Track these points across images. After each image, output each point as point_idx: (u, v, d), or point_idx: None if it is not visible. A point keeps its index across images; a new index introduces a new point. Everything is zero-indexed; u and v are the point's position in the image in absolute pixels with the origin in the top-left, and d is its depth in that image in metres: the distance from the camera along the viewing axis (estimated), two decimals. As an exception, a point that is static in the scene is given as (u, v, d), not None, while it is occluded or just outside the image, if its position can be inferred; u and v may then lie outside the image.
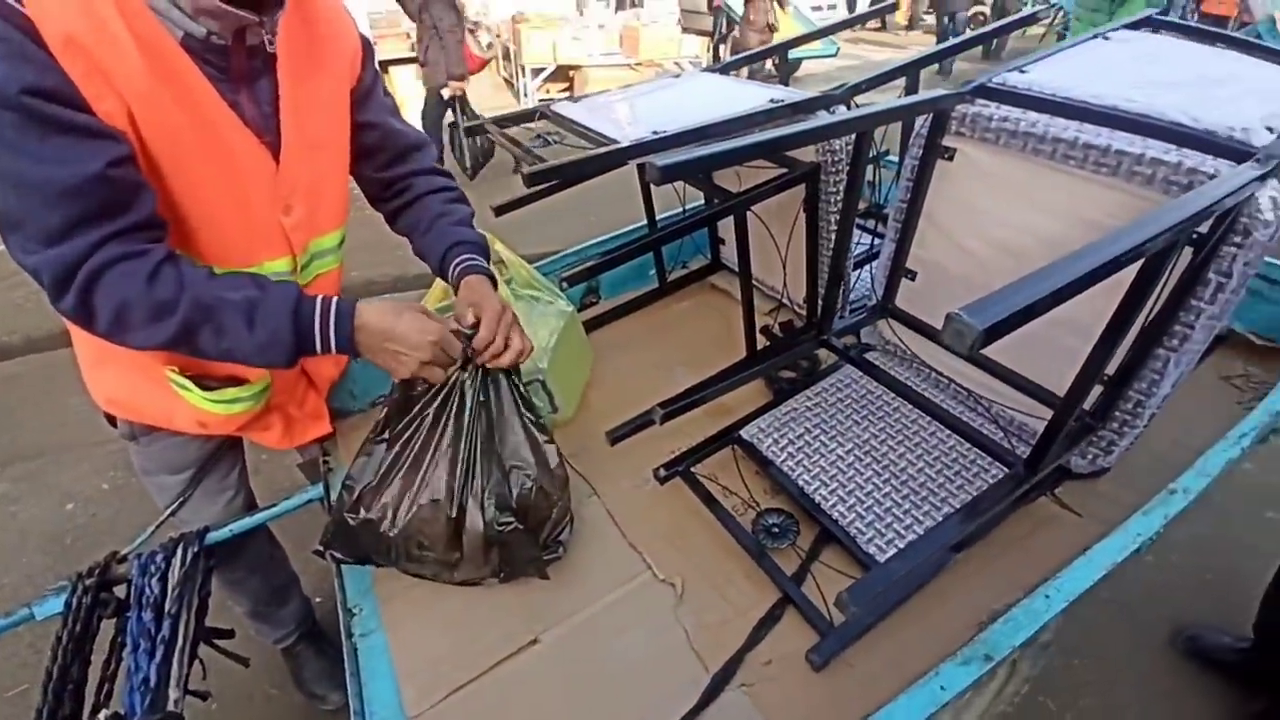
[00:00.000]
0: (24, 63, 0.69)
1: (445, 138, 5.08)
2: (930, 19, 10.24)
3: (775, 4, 6.64)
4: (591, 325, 1.70)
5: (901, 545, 1.03)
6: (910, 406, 1.26)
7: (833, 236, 1.26)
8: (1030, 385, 1.14)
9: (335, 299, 0.88)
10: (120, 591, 1.07)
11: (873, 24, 11.35)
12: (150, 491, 1.24)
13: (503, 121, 1.37)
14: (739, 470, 1.26)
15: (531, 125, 1.46)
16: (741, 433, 1.27)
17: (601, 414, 1.40)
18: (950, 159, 1.16)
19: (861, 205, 1.93)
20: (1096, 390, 1.06)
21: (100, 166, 0.73)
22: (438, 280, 1.41)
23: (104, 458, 2.42)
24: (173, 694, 0.98)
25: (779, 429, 1.25)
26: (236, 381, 1.06)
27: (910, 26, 11.37)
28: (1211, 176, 0.87)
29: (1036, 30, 9.13)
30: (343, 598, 1.10)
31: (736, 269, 1.37)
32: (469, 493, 0.97)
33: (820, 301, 1.30)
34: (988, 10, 9.07)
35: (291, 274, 1.01)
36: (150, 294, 0.78)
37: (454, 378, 0.97)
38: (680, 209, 1.76)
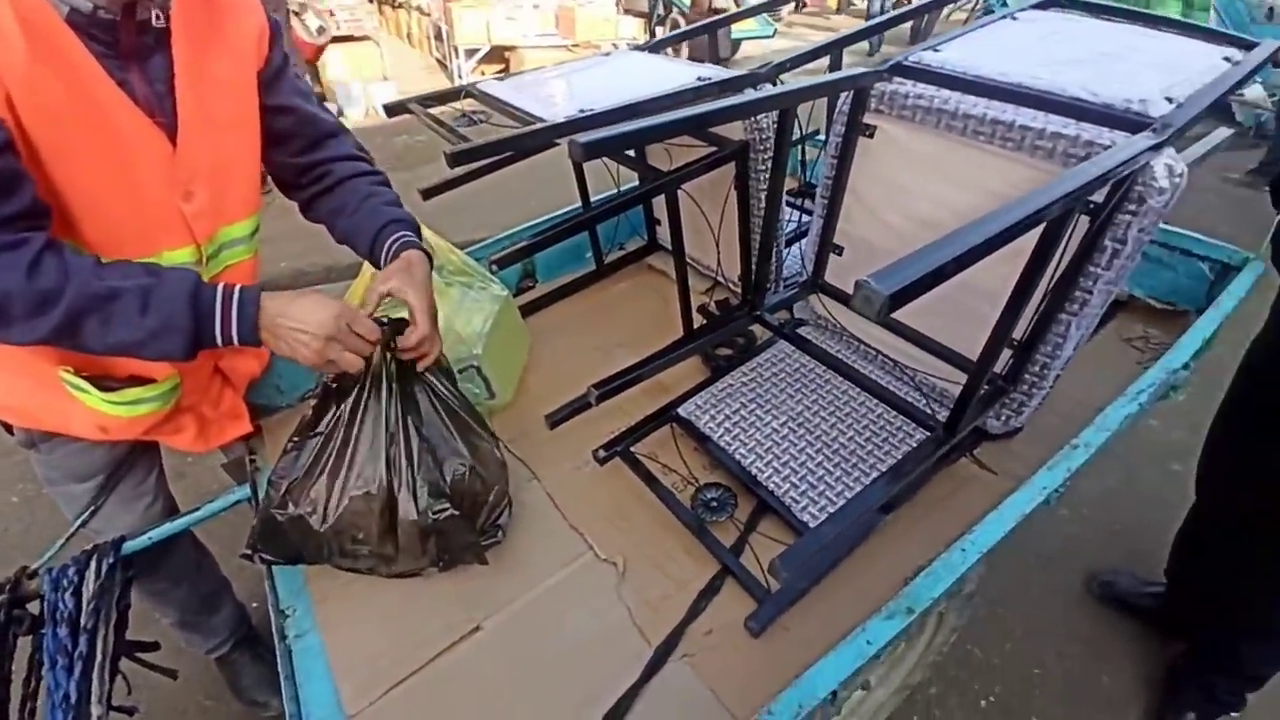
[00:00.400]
0: None
1: None
2: (861, 3, 10.46)
3: None
4: (529, 309, 1.68)
5: (833, 511, 1.07)
6: (840, 378, 1.30)
7: (763, 214, 1.28)
8: (948, 352, 1.20)
9: (239, 286, 0.84)
10: (35, 608, 1.01)
11: (811, 7, 11.52)
12: (58, 502, 1.16)
13: (427, 101, 1.33)
14: (677, 448, 1.28)
15: (458, 105, 1.42)
16: (679, 410, 1.28)
17: (540, 398, 1.39)
18: (871, 136, 1.19)
19: (793, 184, 1.97)
20: (1007, 355, 1.12)
21: None
22: (365, 268, 1.36)
23: (10, 469, 2.25)
24: (95, 710, 0.94)
25: (715, 405, 1.27)
26: (140, 381, 0.99)
27: (839, 10, 11.60)
28: (1108, 148, 0.92)
29: (960, 16, 9.46)
30: (274, 599, 1.06)
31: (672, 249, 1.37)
32: (400, 482, 0.95)
33: (753, 278, 1.32)
34: None
35: (197, 264, 0.95)
36: (31, 285, 0.72)
37: (376, 368, 0.94)
38: (615, 190, 1.75)
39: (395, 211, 1.07)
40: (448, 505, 0.96)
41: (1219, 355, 1.48)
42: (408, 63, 7.83)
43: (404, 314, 0.95)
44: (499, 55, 7.00)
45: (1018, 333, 1.06)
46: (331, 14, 5.88)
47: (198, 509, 1.20)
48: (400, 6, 8.91)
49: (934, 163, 1.12)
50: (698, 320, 1.48)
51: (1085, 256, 0.96)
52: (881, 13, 8.54)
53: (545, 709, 0.91)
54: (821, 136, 1.73)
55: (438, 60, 7.80)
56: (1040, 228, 0.82)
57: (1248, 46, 1.15)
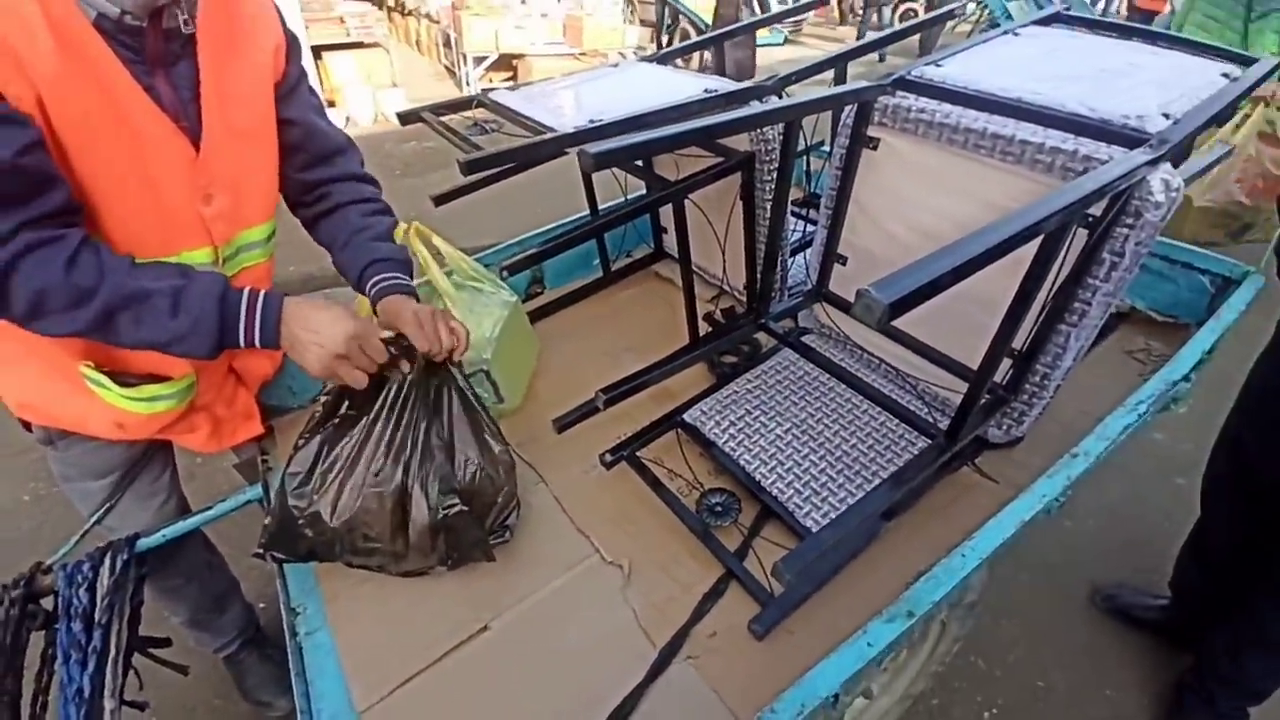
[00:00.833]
0: None
1: None
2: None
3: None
4: (537, 315, 1.70)
5: (836, 516, 1.08)
6: (843, 386, 1.32)
7: (768, 224, 1.30)
8: (950, 361, 1.22)
9: (263, 291, 0.87)
10: (49, 604, 1.02)
11: (816, 18, 11.63)
12: (73, 499, 1.18)
13: (439, 109, 1.36)
14: (683, 453, 1.29)
15: (469, 114, 1.45)
16: (684, 416, 1.30)
17: (548, 403, 1.41)
18: (875, 148, 1.21)
19: (798, 194, 1.99)
20: (1008, 365, 1.14)
21: (9, 154, 0.71)
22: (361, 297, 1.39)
23: (23, 469, 2.28)
24: (108, 704, 0.96)
25: (720, 411, 1.29)
26: (158, 378, 1.01)
27: (843, 21, 11.70)
28: (1105, 163, 0.94)
29: (965, 28, 9.53)
30: (285, 598, 1.08)
31: (678, 257, 1.40)
32: (413, 478, 0.97)
33: (758, 287, 1.34)
34: (919, 7, 9.42)
35: (214, 266, 0.98)
36: (69, 280, 0.76)
37: (392, 372, 0.97)
38: (623, 199, 1.77)
39: (381, 249, 1.09)
40: (458, 501, 0.98)
41: (1225, 370, 1.49)
42: (417, 69, 7.91)
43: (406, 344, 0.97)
44: (507, 63, 7.08)
45: (1018, 343, 1.08)
46: (342, 21, 5.95)
47: (210, 508, 1.22)
48: (410, 14, 9.01)
49: (936, 175, 1.14)
50: (703, 328, 1.50)
51: (1084, 269, 0.98)
52: (880, 25, 8.67)
53: (551, 708, 0.92)
54: (826, 148, 1.76)
55: (446, 67, 7.89)
56: (1039, 240, 0.84)
57: (1248, 63, 1.17)
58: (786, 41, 9.41)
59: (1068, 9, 1.47)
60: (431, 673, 0.97)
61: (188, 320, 0.81)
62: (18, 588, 1.01)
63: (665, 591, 1.06)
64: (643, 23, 7.78)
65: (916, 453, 1.16)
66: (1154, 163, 0.90)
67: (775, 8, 8.16)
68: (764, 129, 1.29)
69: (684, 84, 1.38)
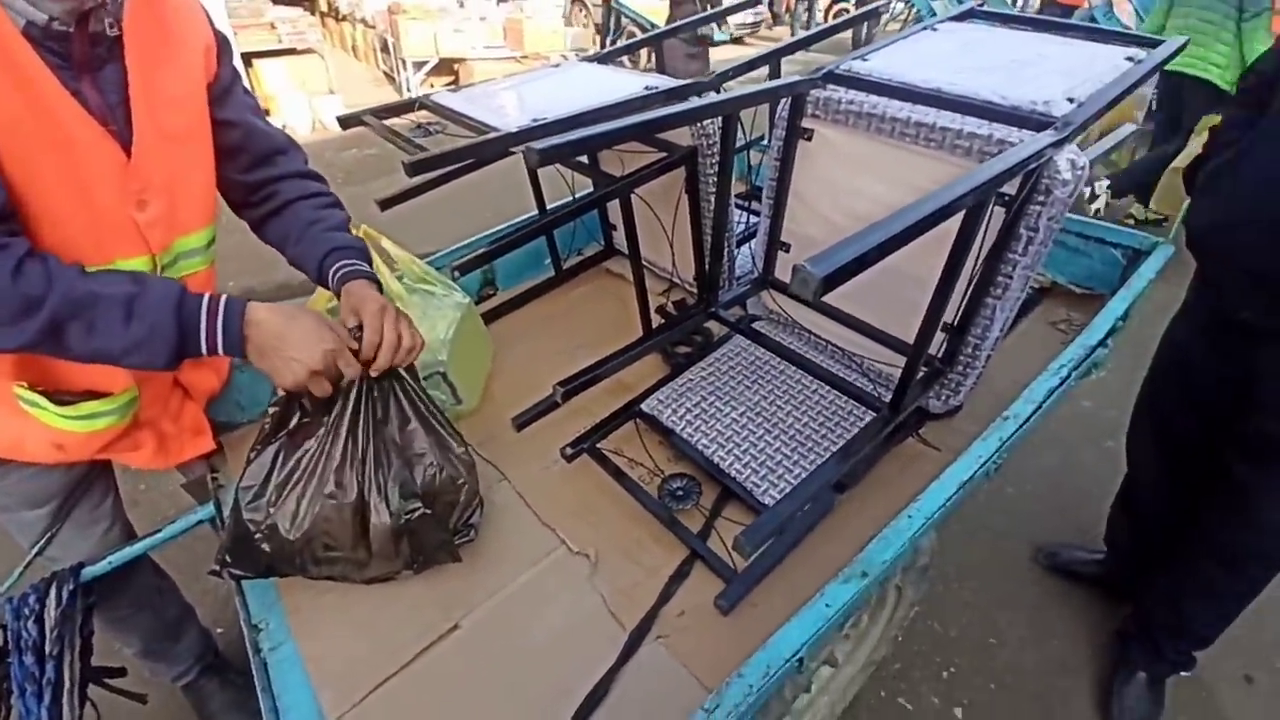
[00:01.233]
0: None
1: None
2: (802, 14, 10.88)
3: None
4: (491, 316, 1.70)
5: (790, 490, 1.13)
6: (793, 368, 1.37)
7: (713, 215, 1.34)
8: (889, 338, 1.28)
9: (225, 295, 0.85)
10: (-1, 638, 0.99)
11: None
12: (10, 531, 1.13)
13: (380, 112, 1.35)
14: (642, 442, 1.32)
15: (412, 117, 1.44)
16: (642, 406, 1.33)
17: (505, 402, 1.41)
18: (810, 139, 1.27)
19: (741, 187, 2.05)
20: (941, 338, 1.21)
21: None
22: (320, 289, 1.37)
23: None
24: (69, 735, 0.92)
25: (677, 399, 1.33)
26: (96, 394, 0.98)
27: (777, 22, 12.06)
28: (1017, 145, 1.01)
29: (895, 26, 9.92)
30: (246, 615, 1.06)
31: (628, 253, 1.42)
32: (371, 485, 0.96)
33: (707, 277, 1.38)
34: (850, 6, 9.77)
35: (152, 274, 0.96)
36: (15, 288, 0.73)
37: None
38: (570, 197, 1.79)
39: (339, 238, 1.08)
40: (419, 505, 0.98)
41: (1143, 340, 1.61)
42: (354, 76, 7.72)
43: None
44: (448, 67, 6.98)
45: (949, 316, 1.15)
46: (273, 26, 5.77)
47: (158, 531, 1.18)
48: (344, 19, 8.78)
49: (867, 162, 1.20)
50: (656, 321, 1.53)
51: (1003, 244, 1.06)
52: (808, 25, 9.02)
53: (527, 698, 0.93)
54: (765, 142, 1.82)
55: (385, 73, 7.72)
56: (960, 217, 0.90)
57: (1153, 45, 1.26)
58: (732, 40, 9.57)
59: (982, 5, 1.56)
60: (403, 676, 0.97)
61: (143, 327, 0.79)
62: (-37, 621, 0.97)
63: (632, 576, 1.08)
64: (598, 28, 7.79)
65: (864, 426, 1.22)
66: (1059, 144, 0.98)
67: (734, 30, 8.30)
68: (705, 124, 1.33)
69: (625, 82, 1.41)
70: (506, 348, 1.62)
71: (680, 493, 1.19)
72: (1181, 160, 2.64)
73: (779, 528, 0.98)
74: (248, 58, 5.55)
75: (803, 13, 9.63)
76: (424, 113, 1.40)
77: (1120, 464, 1.75)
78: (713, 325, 1.54)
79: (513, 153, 1.13)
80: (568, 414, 1.30)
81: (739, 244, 1.77)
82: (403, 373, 1.02)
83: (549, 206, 1.76)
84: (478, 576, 1.09)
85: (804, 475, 1.16)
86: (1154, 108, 3.96)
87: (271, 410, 0.98)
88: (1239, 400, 1.30)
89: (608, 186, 1.30)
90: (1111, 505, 1.81)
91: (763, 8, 10.21)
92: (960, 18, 1.53)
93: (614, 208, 1.61)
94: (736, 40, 9.70)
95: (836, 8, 9.90)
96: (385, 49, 7.40)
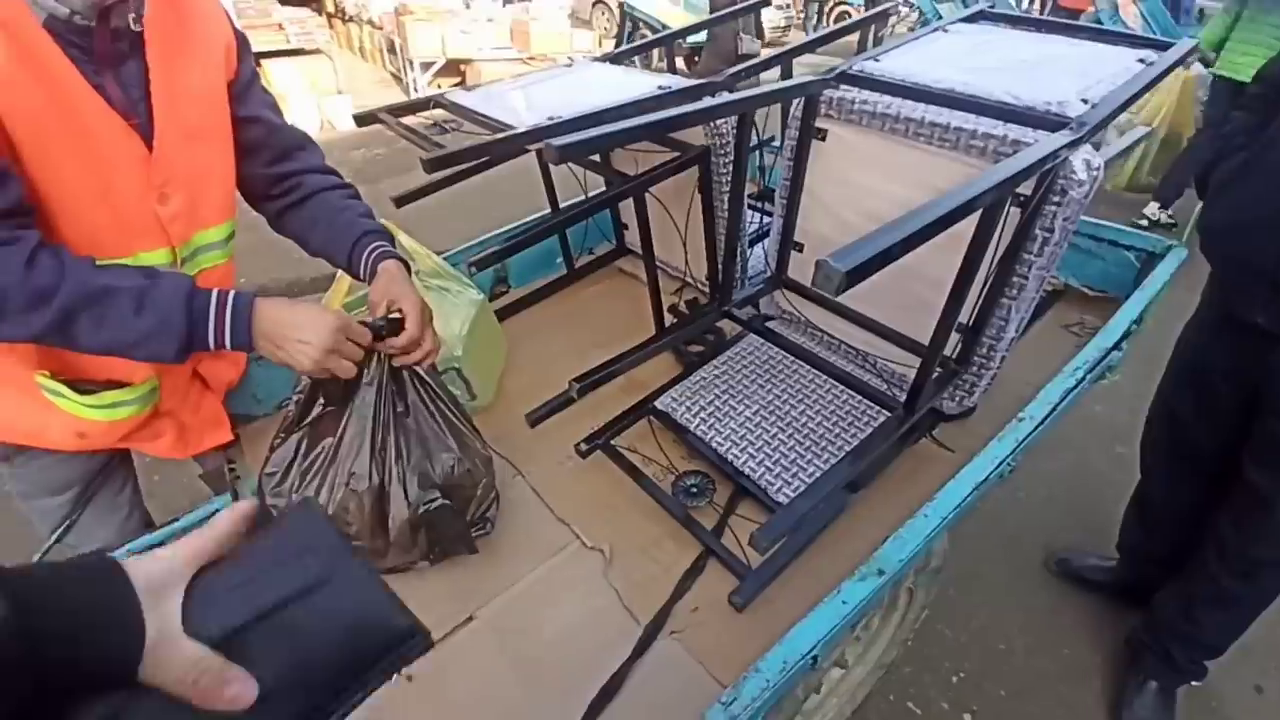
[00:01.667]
0: None
1: None
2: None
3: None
4: (504, 314, 1.71)
5: (804, 489, 1.13)
6: (807, 367, 1.37)
7: (727, 215, 1.35)
8: (903, 338, 1.28)
9: (232, 291, 0.86)
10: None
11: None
12: (32, 517, 1.14)
13: (396, 111, 1.36)
14: (656, 439, 1.33)
15: (427, 114, 1.46)
16: (656, 404, 1.34)
17: (520, 399, 1.42)
18: (823, 139, 1.28)
19: (753, 188, 2.06)
20: (956, 339, 1.21)
21: None
22: (339, 279, 1.38)
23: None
24: None
25: (691, 397, 1.33)
26: (118, 384, 1.00)
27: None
28: (1032, 145, 1.02)
29: (903, 29, 9.92)
30: None
31: (641, 252, 1.43)
32: (390, 475, 0.97)
33: (720, 276, 1.39)
34: (851, 10, 9.80)
35: (172, 267, 0.97)
36: (28, 280, 0.74)
37: (363, 369, 0.97)
38: (583, 196, 1.80)
39: (370, 223, 1.10)
40: (438, 496, 0.99)
41: (1156, 346, 1.60)
42: (361, 76, 7.77)
43: (396, 316, 0.98)
44: (455, 69, 7.01)
45: (964, 317, 1.15)
46: (281, 27, 5.81)
47: (176, 520, 1.19)
48: (351, 20, 8.83)
49: (881, 162, 1.20)
50: (669, 320, 1.53)
51: (1019, 245, 1.06)
52: (815, 27, 9.08)
53: (541, 689, 0.94)
54: (778, 143, 1.82)
55: (392, 74, 7.76)
56: (976, 217, 0.90)
57: (1164, 47, 1.26)
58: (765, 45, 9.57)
59: (992, 6, 1.57)
60: (419, 665, 0.97)
61: (153, 319, 0.80)
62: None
63: (646, 572, 1.09)
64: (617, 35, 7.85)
65: (878, 425, 1.22)
66: (1074, 144, 0.98)
67: (769, 33, 8.28)
68: (719, 124, 1.33)
69: (638, 82, 1.41)
70: (519, 345, 1.63)
71: (694, 490, 1.20)
72: None
73: (794, 525, 0.98)
74: (256, 58, 5.58)
75: (813, 14, 9.67)
76: (439, 111, 1.41)
77: (1132, 469, 1.75)
78: (725, 324, 1.54)
79: (529, 150, 1.14)
80: (581, 411, 1.30)
81: (751, 243, 1.77)
82: (421, 367, 1.03)
83: (561, 204, 1.77)
84: (493, 569, 1.10)
85: (817, 474, 1.17)
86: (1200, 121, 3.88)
87: (296, 398, 0.99)
88: (1254, 405, 1.30)
89: (621, 185, 1.30)
90: (1124, 511, 1.81)
91: (792, 11, 10.23)
92: (970, 19, 1.54)
93: (627, 207, 1.62)
94: (769, 44, 9.72)
95: (837, 10, 9.92)
96: (392, 50, 7.44)
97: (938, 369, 1.18)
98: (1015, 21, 1.52)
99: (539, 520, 1.19)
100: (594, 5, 8.97)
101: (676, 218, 1.51)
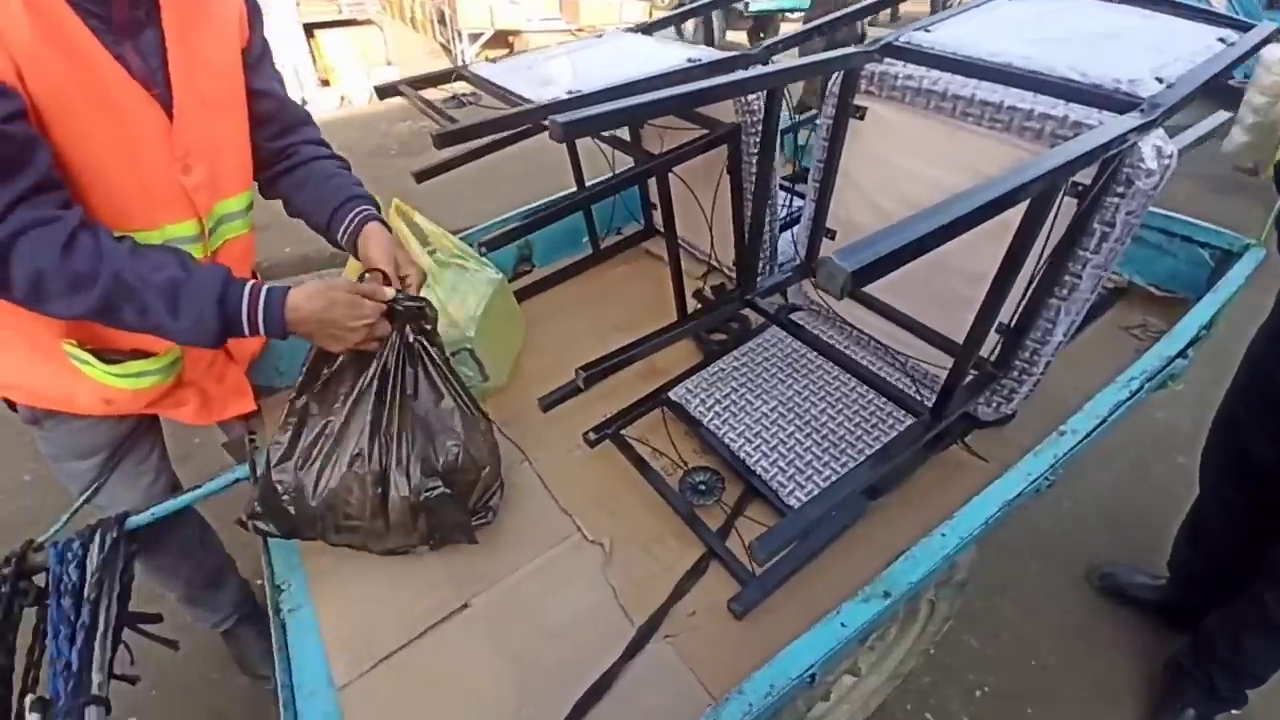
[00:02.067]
0: None
1: None
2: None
3: None
4: (526, 293, 1.69)
5: (817, 494, 1.07)
6: (831, 364, 1.30)
7: (754, 197, 1.27)
8: (938, 337, 1.19)
9: (266, 285, 0.88)
10: (41, 580, 1.05)
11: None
12: (62, 479, 1.19)
13: (418, 82, 1.33)
14: (668, 431, 1.28)
15: (450, 87, 1.42)
16: (670, 394, 1.29)
17: (535, 381, 1.40)
18: (862, 118, 1.18)
19: (788, 169, 1.95)
20: (996, 340, 1.11)
21: None
22: (351, 262, 1.38)
23: (23, 448, 2.30)
24: (96, 678, 0.97)
25: (707, 389, 1.28)
26: (143, 354, 1.02)
27: None
28: (1096, 129, 0.91)
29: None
30: (270, 573, 1.09)
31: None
32: (392, 459, 0.97)
33: (745, 262, 1.32)
34: None
35: (199, 238, 0.99)
36: (66, 264, 0.77)
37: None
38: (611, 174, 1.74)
39: (356, 190, 1.12)
40: (439, 484, 0.98)
41: (1226, 346, 1.45)
42: (412, 47, 7.80)
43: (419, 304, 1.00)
44: (503, 40, 6.97)
45: (1006, 317, 1.05)
46: (334, -2, 5.85)
47: (198, 486, 1.23)
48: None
49: (924, 144, 1.10)
50: (692, 305, 1.48)
51: (1073, 239, 0.95)
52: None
53: (529, 684, 0.92)
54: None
55: (442, 45, 7.77)
56: (1023, 208, 0.81)
57: (1245, 28, 1.12)
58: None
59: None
60: (411, 649, 0.97)
61: (189, 319, 0.84)
62: (9, 565, 1.03)
63: (646, 570, 1.06)
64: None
65: (903, 430, 1.15)
66: (1145, 128, 0.87)
67: None
68: (750, 99, 1.25)
69: (668, 54, 1.34)
70: (539, 325, 1.61)
71: (702, 487, 1.15)
72: None
73: (800, 534, 0.93)
74: (309, 29, 5.65)
75: None
76: (461, 84, 1.37)
77: (1193, 482, 1.60)
78: (750, 313, 1.47)
79: (544, 126, 1.09)
80: (595, 396, 1.27)
81: (782, 229, 1.68)
82: (431, 350, 1.02)
83: (589, 183, 1.72)
84: (491, 557, 1.08)
85: (833, 478, 1.10)
86: None
87: (305, 369, 1.01)
88: None
89: (645, 164, 1.24)
90: (1179, 529, 1.67)
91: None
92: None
93: (656, 186, 1.56)
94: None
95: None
96: (442, 20, 7.43)
97: (972, 372, 1.09)
98: None
99: (542, 509, 1.16)
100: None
101: (704, 199, 1.44)
